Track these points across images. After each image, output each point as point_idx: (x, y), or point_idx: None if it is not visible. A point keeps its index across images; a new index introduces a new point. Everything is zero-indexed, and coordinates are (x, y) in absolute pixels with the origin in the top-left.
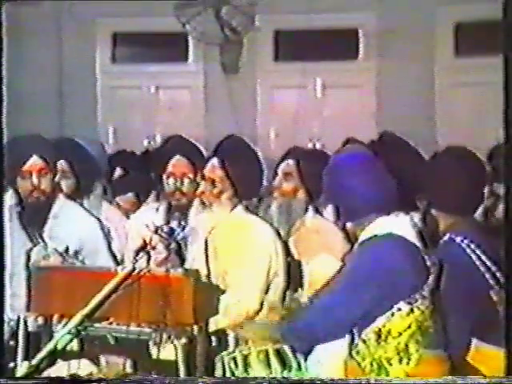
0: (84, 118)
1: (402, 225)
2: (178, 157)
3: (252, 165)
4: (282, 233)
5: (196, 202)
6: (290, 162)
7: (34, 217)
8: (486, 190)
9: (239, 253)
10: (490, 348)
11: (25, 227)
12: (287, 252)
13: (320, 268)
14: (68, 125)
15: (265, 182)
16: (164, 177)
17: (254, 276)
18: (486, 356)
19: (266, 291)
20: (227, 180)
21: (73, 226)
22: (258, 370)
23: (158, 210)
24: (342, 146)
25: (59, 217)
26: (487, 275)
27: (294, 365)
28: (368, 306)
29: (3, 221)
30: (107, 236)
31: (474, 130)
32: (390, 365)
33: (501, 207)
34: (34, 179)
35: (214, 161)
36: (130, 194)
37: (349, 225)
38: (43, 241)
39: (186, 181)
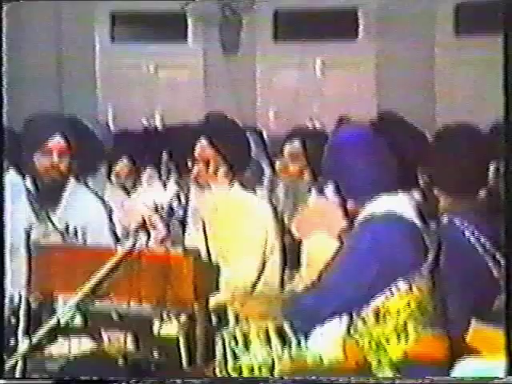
0: (83, 97)
1: (401, 203)
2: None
3: (237, 136)
4: (288, 214)
5: (192, 187)
6: (296, 143)
7: (48, 196)
8: (489, 170)
9: (237, 229)
10: (489, 328)
11: (32, 205)
12: (287, 231)
13: (318, 247)
14: (67, 104)
15: (253, 149)
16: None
17: (251, 251)
18: (485, 336)
19: (263, 268)
20: (219, 156)
21: (76, 204)
22: (257, 348)
23: (165, 188)
24: (336, 125)
25: (68, 197)
26: (486, 257)
27: (294, 342)
28: (368, 284)
29: (4, 198)
30: (109, 215)
31: (474, 108)
32: (389, 344)
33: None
34: (55, 158)
35: (203, 141)
36: (124, 160)
37: (349, 203)
38: (50, 220)
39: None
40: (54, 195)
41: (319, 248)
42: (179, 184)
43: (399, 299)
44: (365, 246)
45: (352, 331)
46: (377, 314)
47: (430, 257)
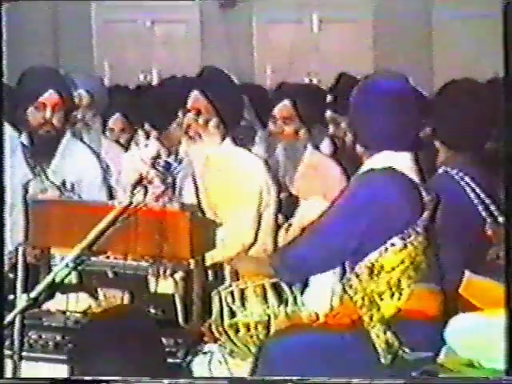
0: (79, 51)
1: (402, 160)
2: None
3: (232, 92)
4: (289, 172)
5: (184, 140)
6: (287, 103)
7: (42, 150)
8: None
9: (229, 186)
10: (482, 280)
11: (27, 159)
12: (284, 188)
13: (313, 211)
14: (63, 59)
15: (246, 106)
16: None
17: (245, 209)
18: (477, 288)
19: (259, 223)
20: (211, 108)
21: (72, 159)
22: (254, 304)
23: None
24: (334, 83)
25: (63, 152)
26: (481, 208)
27: (291, 299)
28: (361, 237)
29: (3, 152)
30: (106, 171)
31: (472, 64)
32: (382, 300)
33: None
34: (48, 113)
35: (195, 93)
36: (117, 115)
37: (360, 149)
38: (45, 174)
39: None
40: (50, 150)
41: (315, 213)
42: (162, 140)
43: (393, 256)
44: (359, 198)
45: (346, 287)
46: (371, 270)
47: (426, 214)
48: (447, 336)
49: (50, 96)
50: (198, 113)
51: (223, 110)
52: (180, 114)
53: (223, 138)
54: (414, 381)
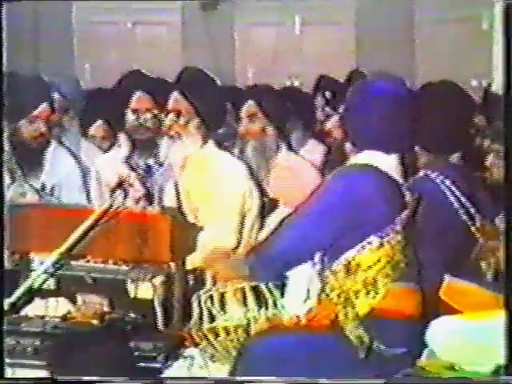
0: (60, 53)
1: (387, 161)
2: (139, 93)
3: (213, 93)
4: (262, 173)
5: (165, 138)
6: (251, 102)
7: (24, 155)
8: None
9: (211, 190)
10: (462, 283)
11: (7, 164)
12: (263, 191)
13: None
14: (44, 61)
15: (229, 109)
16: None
17: (228, 213)
18: (458, 291)
19: (241, 228)
20: (192, 109)
21: (52, 162)
22: (234, 308)
23: (120, 145)
24: (315, 84)
25: (44, 156)
26: (461, 211)
27: (271, 302)
28: (336, 232)
29: (3, 152)
30: (85, 174)
31: (453, 65)
32: (357, 298)
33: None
34: (42, 126)
35: (176, 94)
36: (99, 122)
37: (349, 148)
38: (25, 178)
39: (149, 116)
40: (31, 154)
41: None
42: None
43: (370, 254)
44: (336, 193)
45: (323, 284)
46: (347, 268)
47: (406, 213)
48: (428, 339)
49: (43, 109)
50: (179, 114)
51: (205, 111)
52: (162, 115)
53: (205, 140)
54: (397, 380)
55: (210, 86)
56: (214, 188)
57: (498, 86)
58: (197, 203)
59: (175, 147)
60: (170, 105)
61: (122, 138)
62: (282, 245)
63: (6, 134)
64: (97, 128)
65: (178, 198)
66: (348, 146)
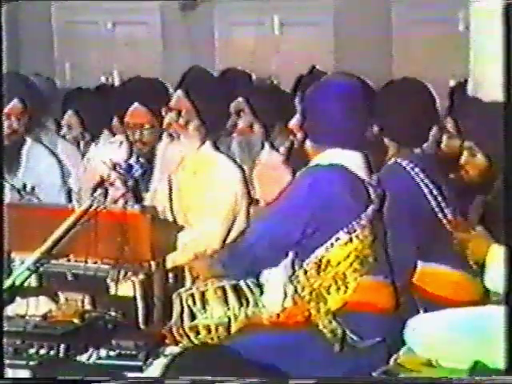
0: (40, 53)
1: (351, 158)
2: (136, 105)
3: (217, 95)
4: (246, 170)
5: (164, 136)
6: (240, 99)
7: (8, 157)
8: (436, 124)
9: (204, 190)
10: (434, 266)
11: None
12: (249, 193)
13: None
14: (24, 60)
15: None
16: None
17: (217, 215)
18: (431, 275)
19: (228, 233)
20: (193, 110)
21: (32, 162)
22: (215, 306)
23: (120, 144)
24: (295, 84)
25: (23, 154)
26: (430, 198)
27: (251, 301)
28: (304, 228)
29: (3, 152)
30: (64, 173)
31: (431, 66)
32: (329, 293)
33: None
34: (14, 123)
35: (179, 92)
36: (73, 115)
37: (310, 146)
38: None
39: (146, 131)
40: (10, 153)
41: None
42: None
43: (339, 250)
44: (302, 192)
45: (295, 283)
46: (318, 266)
47: (372, 207)
48: (406, 336)
49: (14, 106)
50: (179, 113)
51: (206, 112)
52: (163, 112)
53: (203, 142)
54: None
55: (214, 87)
56: (207, 190)
57: (472, 86)
58: (188, 202)
59: (172, 146)
60: (173, 103)
61: (120, 138)
62: (250, 241)
63: None
64: (68, 119)
65: (170, 196)
66: (308, 144)
